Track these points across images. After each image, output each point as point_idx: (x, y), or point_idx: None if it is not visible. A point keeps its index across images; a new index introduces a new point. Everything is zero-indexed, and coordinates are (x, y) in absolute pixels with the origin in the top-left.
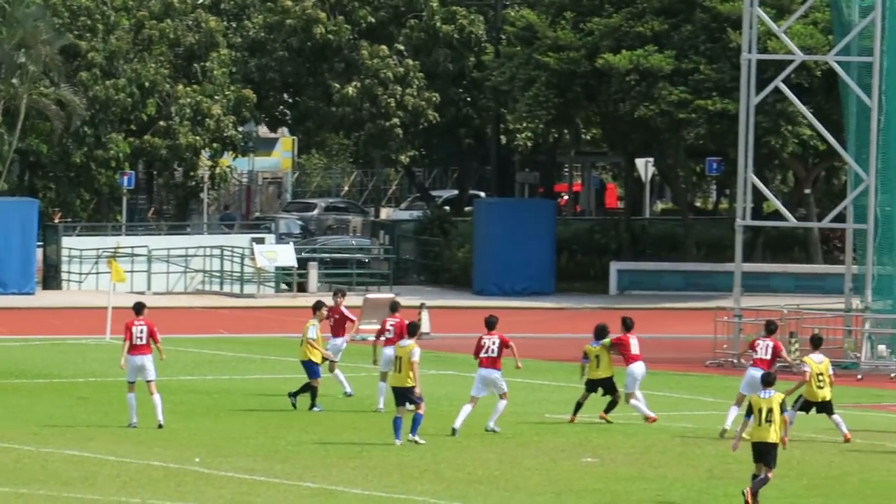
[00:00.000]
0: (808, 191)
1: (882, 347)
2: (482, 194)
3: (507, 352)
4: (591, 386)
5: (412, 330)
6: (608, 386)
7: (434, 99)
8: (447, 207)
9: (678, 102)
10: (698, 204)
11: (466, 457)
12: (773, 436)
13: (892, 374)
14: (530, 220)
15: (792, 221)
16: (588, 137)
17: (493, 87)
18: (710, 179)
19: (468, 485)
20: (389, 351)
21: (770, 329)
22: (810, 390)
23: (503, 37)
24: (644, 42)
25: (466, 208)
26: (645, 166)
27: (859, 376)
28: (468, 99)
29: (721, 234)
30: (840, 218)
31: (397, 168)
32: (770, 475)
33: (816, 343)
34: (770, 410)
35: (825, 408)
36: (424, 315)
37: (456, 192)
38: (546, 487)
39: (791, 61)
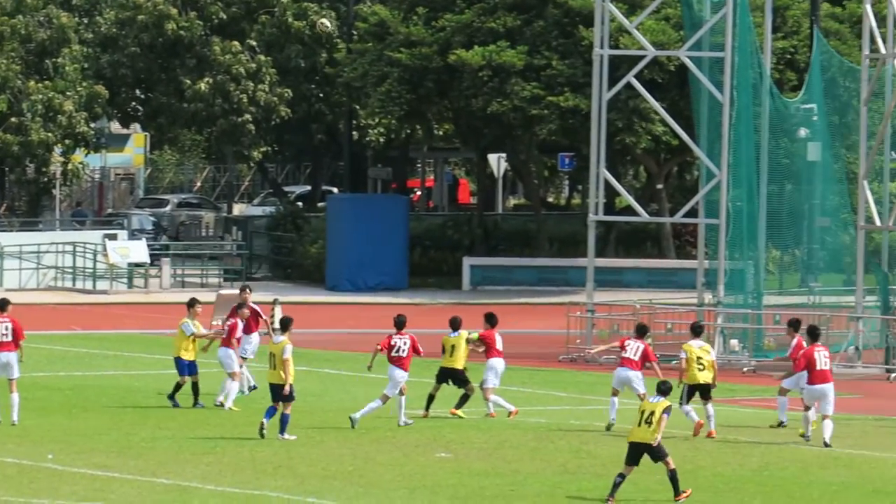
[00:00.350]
0: (660, 186)
1: (734, 342)
2: (335, 190)
3: (414, 354)
4: (443, 376)
5: (284, 325)
6: (460, 378)
7: (286, 95)
8: (300, 203)
9: (530, 98)
10: (551, 199)
11: (320, 452)
12: (650, 437)
13: (745, 369)
14: (383, 215)
15: (644, 217)
16: (440, 133)
17: (345, 83)
18: (562, 175)
19: (322, 480)
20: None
21: (641, 332)
22: (692, 374)
23: (355, 33)
24: (496, 38)
25: (319, 204)
26: (497, 162)
27: None
28: (321, 95)
29: (574, 230)
30: (692, 213)
31: (250, 164)
32: (672, 465)
33: (697, 331)
34: (652, 413)
35: (705, 392)
36: (278, 311)
37: (309, 187)
38: (400, 483)
39: (643, 57)
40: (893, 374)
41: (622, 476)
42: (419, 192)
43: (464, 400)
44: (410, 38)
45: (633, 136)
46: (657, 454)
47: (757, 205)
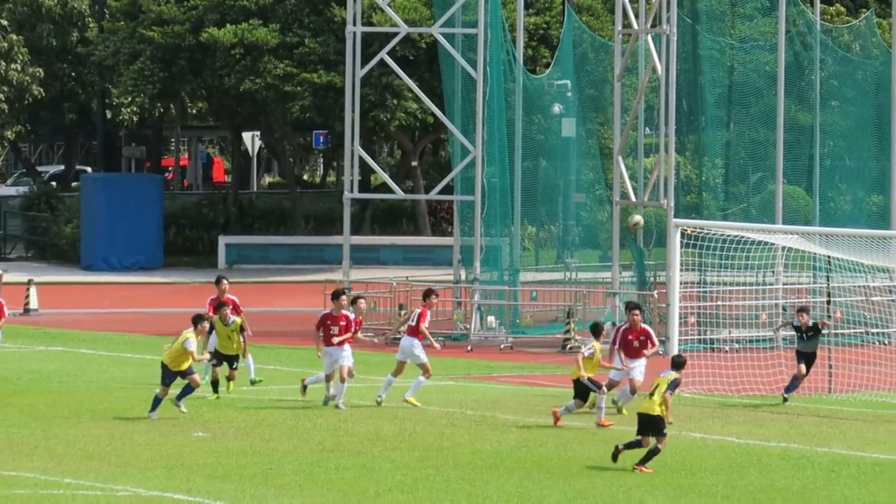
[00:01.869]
0: (415, 163)
1: (491, 318)
2: (89, 169)
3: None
4: (219, 359)
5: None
6: (234, 361)
7: (38, 74)
8: (54, 183)
9: (284, 76)
10: (306, 177)
11: (78, 433)
12: (656, 409)
13: (502, 346)
14: (137, 194)
15: (399, 194)
16: (194, 111)
17: (97, 62)
18: (317, 153)
19: (79, 461)
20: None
21: (427, 295)
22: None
23: (107, 11)
24: (248, 16)
25: (73, 184)
26: (252, 140)
27: (469, 348)
28: (73, 74)
29: (329, 207)
30: (447, 190)
31: (3, 143)
32: (661, 445)
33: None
34: (657, 386)
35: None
36: (33, 291)
37: (62, 167)
38: (157, 462)
39: (395, 34)
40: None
41: (639, 442)
42: (173, 171)
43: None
44: (162, 16)
45: (386, 113)
46: (657, 428)
47: (511, 181)
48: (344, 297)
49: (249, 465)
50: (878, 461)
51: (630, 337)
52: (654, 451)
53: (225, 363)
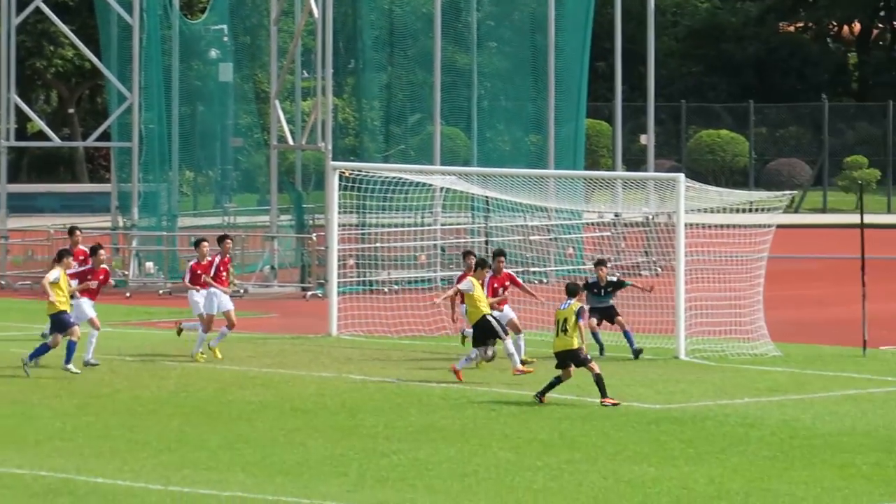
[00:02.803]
0: (72, 110)
1: (150, 264)
2: None
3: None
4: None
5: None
6: None
7: None
8: None
9: None
10: None
11: None
12: (574, 342)
13: (161, 291)
14: None
15: (56, 141)
16: None
17: None
18: None
19: None
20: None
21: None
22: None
23: None
24: None
25: None
26: None
27: (128, 294)
28: None
29: None
30: (105, 136)
31: None
32: (597, 369)
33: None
34: (566, 320)
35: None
36: None
37: None
38: None
39: None
40: (309, 293)
41: (559, 379)
42: None
43: None
44: None
45: (43, 61)
46: (579, 360)
47: (169, 127)
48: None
49: None
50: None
51: (495, 284)
52: (599, 379)
53: None
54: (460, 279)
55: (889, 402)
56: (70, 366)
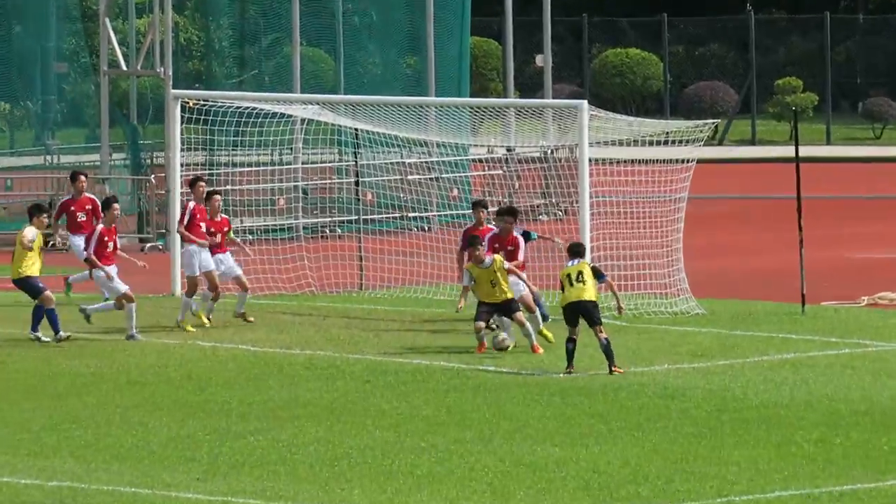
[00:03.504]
0: None
1: None
2: None
3: None
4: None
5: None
6: None
7: None
8: None
9: None
10: None
11: None
12: (591, 293)
13: None
14: None
15: None
16: None
17: None
18: None
19: None
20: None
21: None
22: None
23: None
24: None
25: None
26: None
27: None
28: None
29: None
30: None
31: None
32: (605, 334)
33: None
34: (580, 272)
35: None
36: None
37: None
38: None
39: None
40: (148, 245)
41: (573, 341)
42: None
43: None
44: None
45: None
46: (594, 316)
47: None
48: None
49: None
50: (419, 368)
51: (497, 245)
52: (607, 347)
53: None
54: (467, 236)
55: (833, 368)
56: (38, 333)
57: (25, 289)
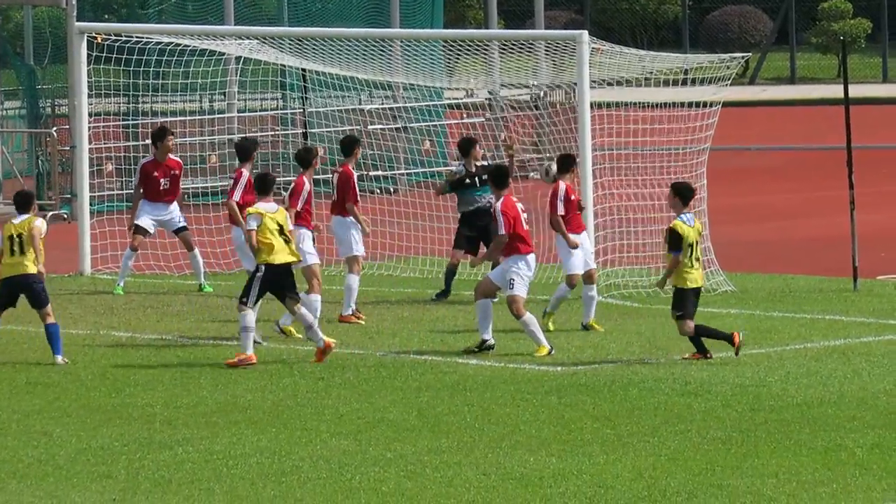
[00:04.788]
0: None
1: None
2: None
3: None
4: None
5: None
6: None
7: None
8: None
9: None
10: None
11: None
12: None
13: None
14: None
15: None
16: None
17: None
18: None
19: None
20: None
21: None
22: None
23: None
24: None
25: None
26: None
27: None
28: None
29: None
30: None
31: None
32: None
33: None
34: (691, 245)
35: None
36: None
37: None
38: None
39: None
40: (50, 213)
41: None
42: None
43: None
44: None
45: None
46: None
47: None
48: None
49: None
50: (384, 362)
51: (573, 197)
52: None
53: None
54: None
55: (891, 357)
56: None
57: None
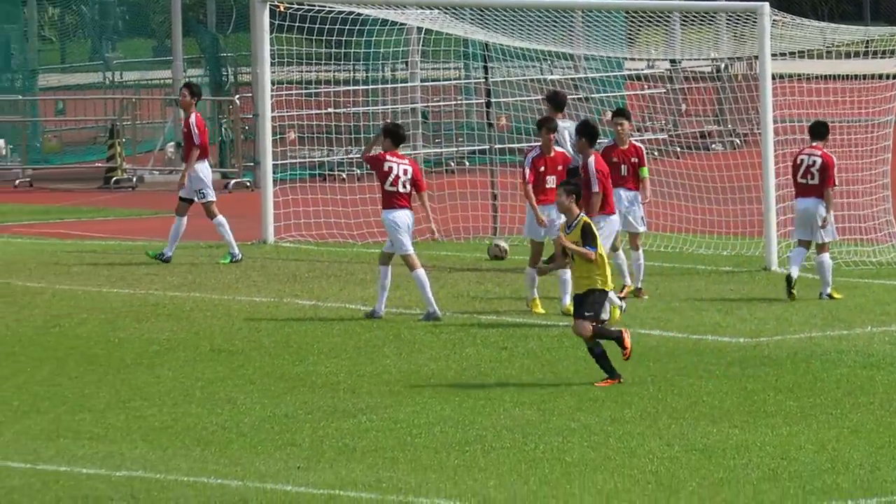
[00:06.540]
0: None
1: (0, 142)
2: None
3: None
4: None
5: None
6: None
7: None
8: None
9: None
10: None
11: None
12: None
13: (18, 181)
14: None
15: None
16: None
17: None
18: None
19: None
20: None
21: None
22: None
23: None
24: None
25: None
26: None
27: None
28: None
29: None
30: None
31: None
32: None
33: None
34: None
35: None
36: None
37: None
38: None
39: None
40: (233, 181)
41: None
42: None
43: None
44: None
45: None
46: None
47: None
48: None
49: None
50: (567, 333)
51: (615, 158)
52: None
53: None
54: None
55: None
56: None
57: None
